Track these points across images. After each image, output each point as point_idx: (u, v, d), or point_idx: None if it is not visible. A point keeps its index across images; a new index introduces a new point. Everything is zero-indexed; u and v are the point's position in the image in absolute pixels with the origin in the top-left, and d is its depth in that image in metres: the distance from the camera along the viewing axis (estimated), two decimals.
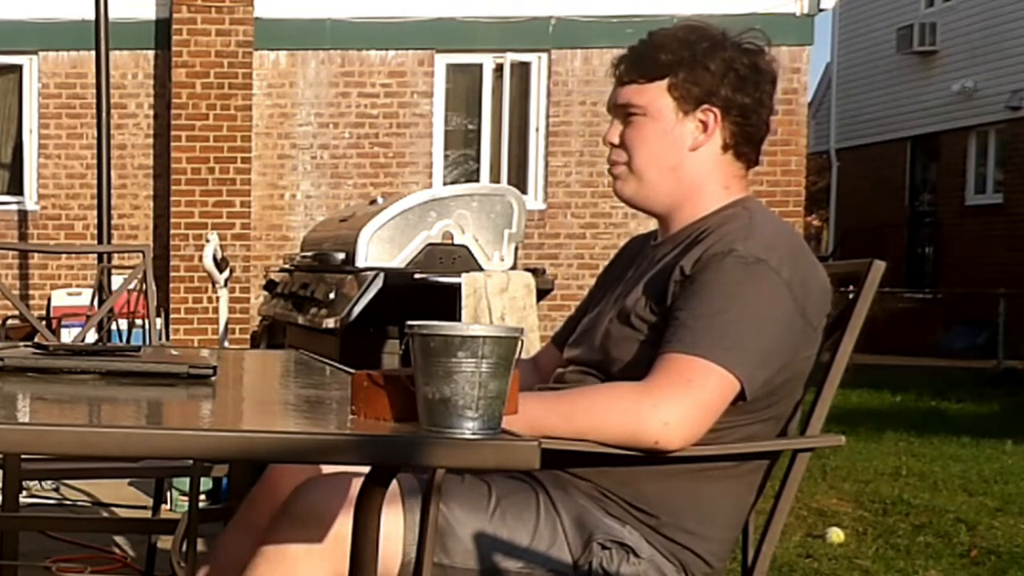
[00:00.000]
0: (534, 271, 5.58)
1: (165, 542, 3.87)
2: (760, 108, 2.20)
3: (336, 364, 2.58)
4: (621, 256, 2.43)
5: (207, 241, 7.00)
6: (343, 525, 1.92)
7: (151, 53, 10.83)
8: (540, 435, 1.97)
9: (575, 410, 2.03)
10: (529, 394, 2.02)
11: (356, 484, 1.91)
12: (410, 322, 1.53)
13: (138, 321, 4.24)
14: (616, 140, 2.25)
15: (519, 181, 10.85)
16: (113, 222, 10.20)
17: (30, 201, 11.08)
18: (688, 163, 2.21)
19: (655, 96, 2.19)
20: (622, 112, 2.24)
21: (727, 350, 2.01)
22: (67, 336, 8.40)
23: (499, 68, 11.15)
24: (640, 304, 2.16)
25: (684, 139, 2.20)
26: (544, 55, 11.03)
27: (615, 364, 2.16)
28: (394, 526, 2.02)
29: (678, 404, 1.99)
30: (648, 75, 2.19)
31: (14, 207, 11.08)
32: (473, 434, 1.48)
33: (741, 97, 2.18)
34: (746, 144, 2.22)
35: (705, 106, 2.18)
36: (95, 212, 10.01)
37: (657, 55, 2.19)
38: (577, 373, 2.25)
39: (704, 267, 2.08)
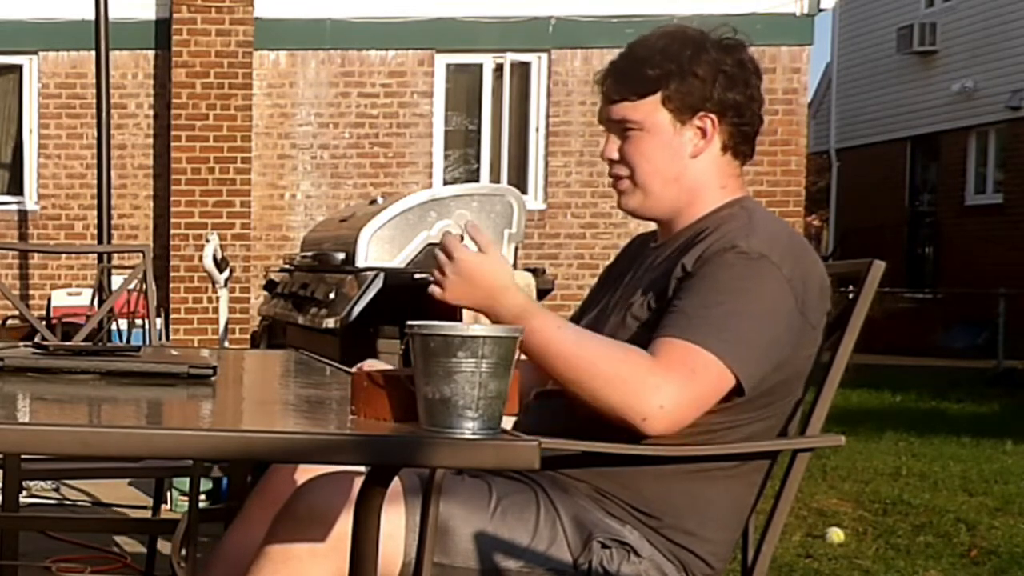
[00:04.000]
0: (534, 271, 5.58)
1: (165, 542, 3.87)
2: (752, 103, 2.21)
3: (336, 364, 2.58)
4: (623, 256, 2.43)
5: (207, 241, 7.01)
6: (345, 525, 1.92)
7: (151, 53, 10.83)
8: (542, 353, 1.99)
9: (582, 353, 2.01)
10: (545, 315, 2.03)
11: (358, 484, 1.91)
12: (410, 322, 1.53)
13: (138, 321, 4.24)
14: (615, 156, 2.23)
15: (519, 181, 10.85)
16: (113, 222, 10.20)
17: (30, 201, 11.08)
18: (690, 170, 2.21)
19: (650, 111, 2.18)
20: (618, 128, 2.23)
21: (728, 343, 2.01)
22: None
23: (499, 68, 11.15)
24: (643, 307, 2.16)
25: (684, 148, 2.20)
26: (544, 55, 11.02)
27: None
28: (396, 526, 2.02)
29: (678, 392, 1.98)
30: (639, 91, 2.18)
31: (14, 207, 11.08)
32: (473, 434, 1.48)
33: (733, 96, 2.18)
34: (744, 142, 2.23)
35: (701, 113, 2.18)
36: (95, 212, 10.01)
37: (644, 70, 2.17)
38: None
39: (706, 262, 2.08)
